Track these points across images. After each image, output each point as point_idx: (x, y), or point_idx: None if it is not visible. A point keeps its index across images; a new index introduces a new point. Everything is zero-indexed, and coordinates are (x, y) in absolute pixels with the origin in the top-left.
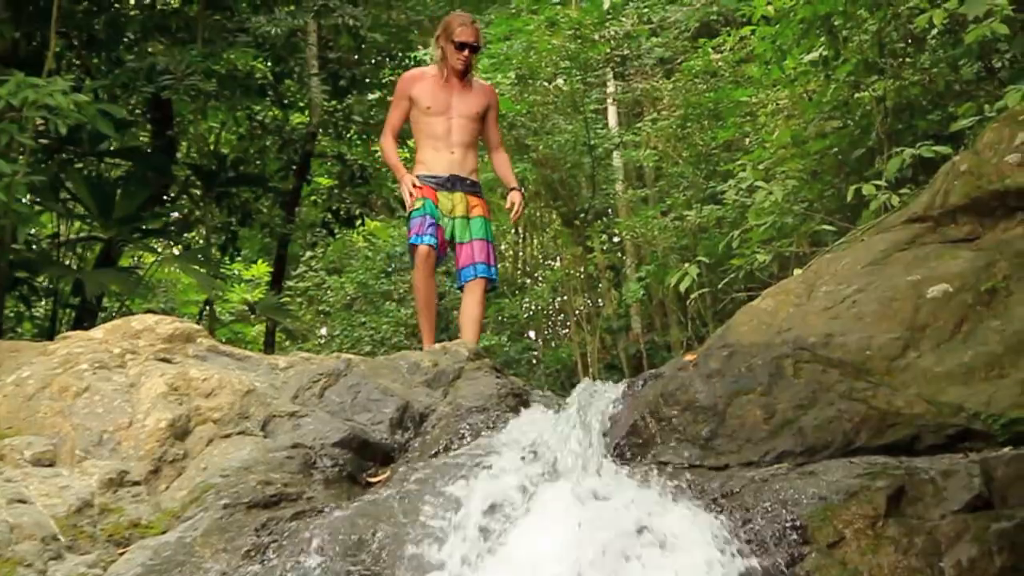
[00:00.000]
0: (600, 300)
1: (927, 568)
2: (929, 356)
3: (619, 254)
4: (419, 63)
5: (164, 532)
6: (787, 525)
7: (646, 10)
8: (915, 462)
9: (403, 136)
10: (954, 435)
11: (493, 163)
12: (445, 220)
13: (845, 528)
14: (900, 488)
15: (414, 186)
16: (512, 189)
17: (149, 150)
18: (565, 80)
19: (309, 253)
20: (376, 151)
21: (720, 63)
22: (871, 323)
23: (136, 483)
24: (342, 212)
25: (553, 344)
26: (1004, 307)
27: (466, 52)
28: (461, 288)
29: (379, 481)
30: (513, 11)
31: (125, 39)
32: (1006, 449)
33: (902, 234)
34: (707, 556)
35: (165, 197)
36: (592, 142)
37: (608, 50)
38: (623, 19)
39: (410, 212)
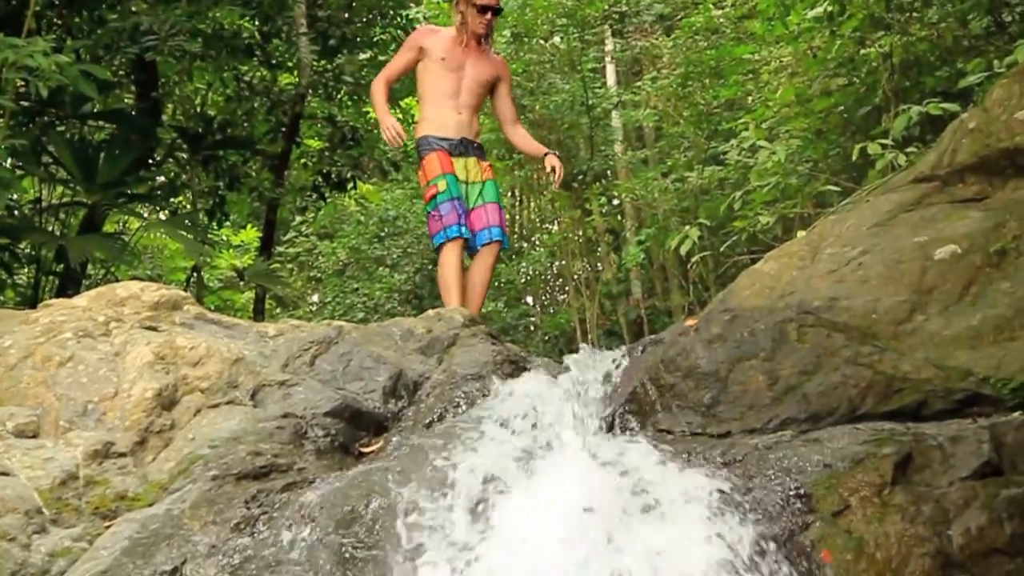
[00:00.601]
0: (599, 264)
1: (935, 536)
2: (937, 319)
3: (618, 217)
4: (411, 21)
5: (151, 504)
6: (791, 493)
7: None
8: (922, 428)
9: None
10: (962, 400)
11: (512, 138)
12: (463, 188)
13: (850, 496)
14: (907, 455)
15: (431, 155)
16: (547, 154)
17: (133, 112)
18: (562, 38)
19: (299, 218)
20: (368, 111)
21: (722, 19)
22: (877, 286)
23: (122, 454)
24: (333, 175)
25: (551, 310)
26: (1014, 268)
27: (488, 15)
28: (472, 253)
29: (372, 451)
30: None
31: None
32: (1016, 414)
33: (908, 194)
34: (708, 525)
35: (150, 161)
36: (590, 102)
37: (606, 6)
38: None
39: (435, 195)
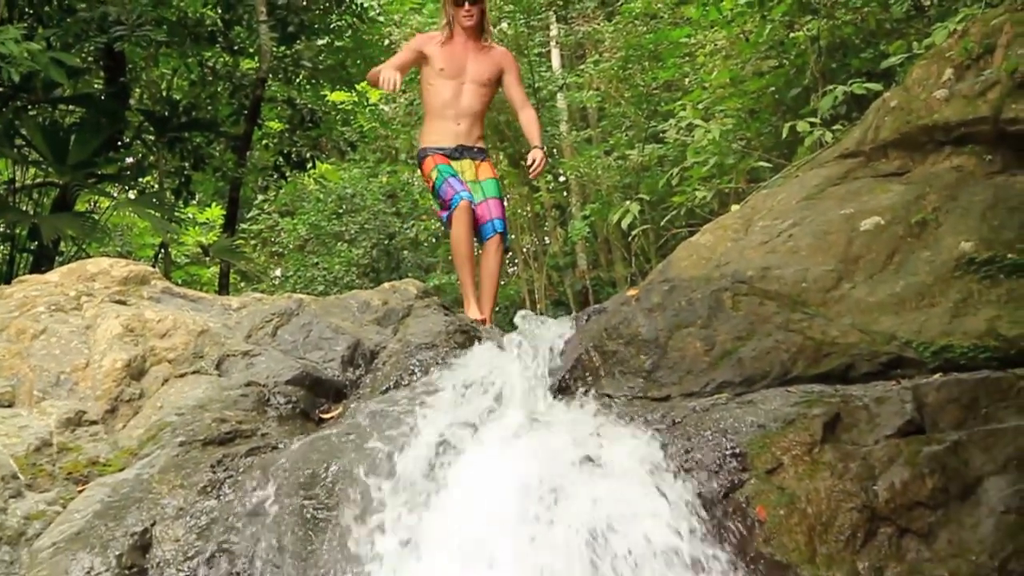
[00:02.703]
0: (547, 238)
1: (861, 492)
2: (862, 287)
3: (564, 193)
4: (366, 10)
5: (122, 470)
6: (727, 453)
7: None
8: (850, 390)
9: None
10: (887, 363)
11: (520, 121)
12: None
13: (783, 455)
14: (835, 415)
15: (428, 159)
16: (535, 148)
17: (102, 97)
18: (509, 24)
19: (261, 196)
20: (325, 94)
21: (659, 5)
22: (806, 256)
23: (94, 422)
24: (293, 155)
25: (502, 282)
26: (933, 238)
27: (466, 5)
28: (480, 244)
29: (331, 417)
30: None
31: None
32: (936, 376)
33: (835, 169)
34: (648, 482)
35: (119, 143)
36: (537, 84)
37: None
38: None
39: (432, 185)
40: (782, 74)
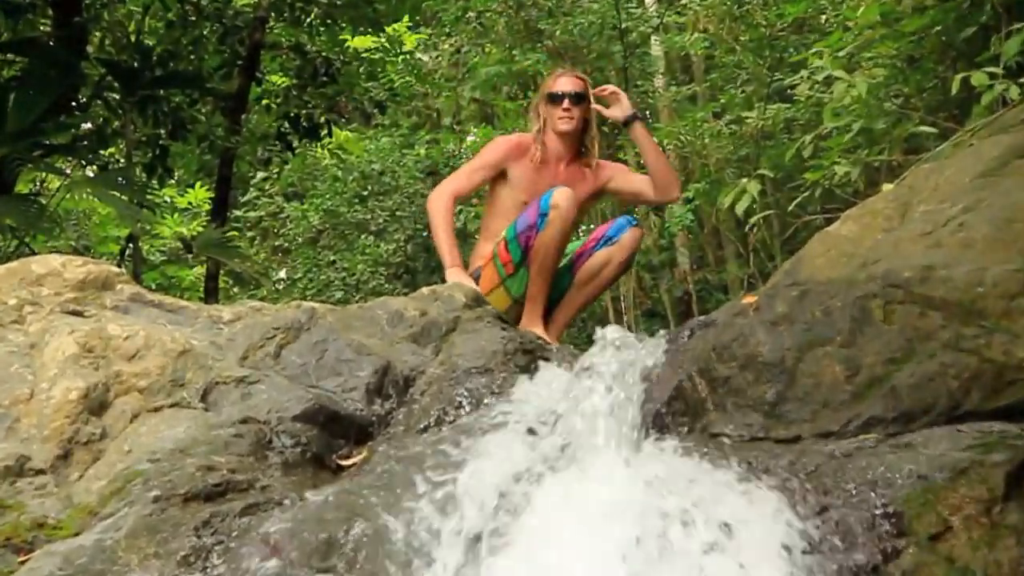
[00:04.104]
0: None
1: None
2: None
3: None
4: None
5: (77, 534)
6: (877, 512)
7: None
8: None
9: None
10: None
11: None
12: None
13: (952, 515)
14: (1023, 463)
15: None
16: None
17: (51, 42)
18: None
19: (262, 174)
20: (346, 40)
21: None
22: (983, 252)
23: (40, 471)
24: (303, 119)
25: None
26: None
27: (565, 103)
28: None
29: (353, 464)
30: None
31: None
32: None
33: (1023, 136)
34: (775, 552)
35: (73, 103)
36: (624, 25)
37: None
38: None
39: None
40: (952, 8)
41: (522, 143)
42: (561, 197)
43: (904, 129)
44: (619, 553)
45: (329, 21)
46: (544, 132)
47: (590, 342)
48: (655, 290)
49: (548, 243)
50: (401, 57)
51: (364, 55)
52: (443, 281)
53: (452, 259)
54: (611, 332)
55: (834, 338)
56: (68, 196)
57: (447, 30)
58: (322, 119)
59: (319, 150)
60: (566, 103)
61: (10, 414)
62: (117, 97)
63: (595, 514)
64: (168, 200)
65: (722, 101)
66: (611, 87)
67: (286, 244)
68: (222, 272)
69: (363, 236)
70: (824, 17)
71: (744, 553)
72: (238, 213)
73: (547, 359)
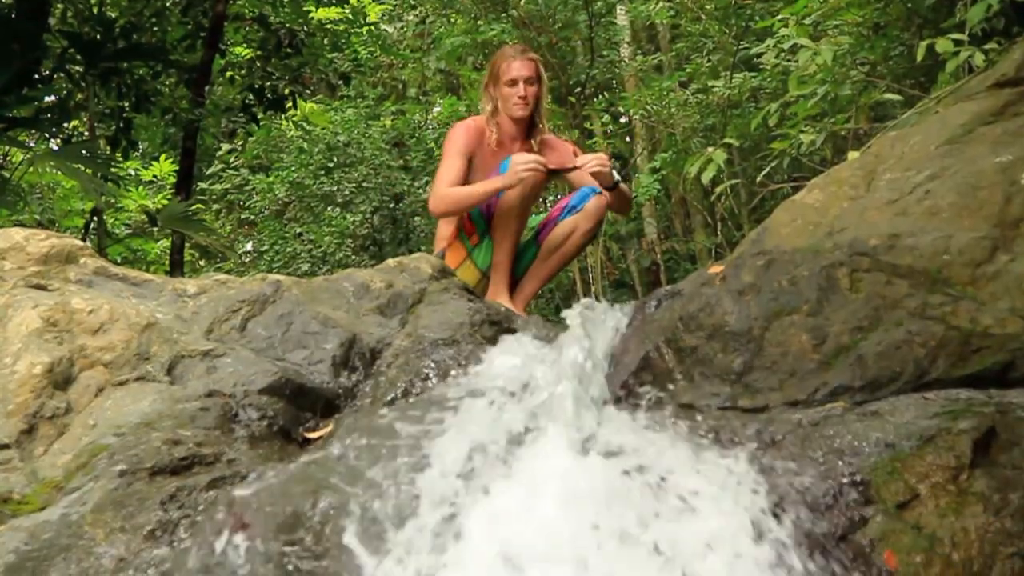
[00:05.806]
0: None
1: None
2: None
3: (626, 139)
4: None
5: (43, 508)
6: (844, 481)
7: None
8: (1009, 396)
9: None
10: None
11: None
12: None
13: (919, 483)
14: (990, 430)
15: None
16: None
17: (12, 14)
18: None
19: (226, 146)
20: (310, 11)
21: None
22: (949, 219)
23: (4, 446)
24: (267, 91)
25: None
26: None
27: (521, 87)
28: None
29: (319, 437)
30: None
31: None
32: None
33: (988, 102)
34: (741, 521)
35: (36, 76)
36: None
37: None
38: None
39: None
40: None
41: (478, 127)
42: (519, 158)
43: (870, 97)
44: (587, 523)
45: None
46: (497, 114)
47: (557, 312)
48: (623, 260)
49: (509, 205)
50: (366, 28)
51: (328, 26)
52: (410, 252)
53: (494, 178)
54: (579, 305)
55: (801, 307)
56: (31, 169)
57: (411, 1)
58: (287, 91)
59: (284, 122)
60: (521, 88)
61: None
62: (80, 70)
63: (561, 486)
64: (132, 173)
65: (688, 70)
66: (596, 160)
67: (252, 216)
68: (187, 245)
69: (329, 208)
70: None
71: (711, 522)
72: (203, 186)
73: (514, 330)
